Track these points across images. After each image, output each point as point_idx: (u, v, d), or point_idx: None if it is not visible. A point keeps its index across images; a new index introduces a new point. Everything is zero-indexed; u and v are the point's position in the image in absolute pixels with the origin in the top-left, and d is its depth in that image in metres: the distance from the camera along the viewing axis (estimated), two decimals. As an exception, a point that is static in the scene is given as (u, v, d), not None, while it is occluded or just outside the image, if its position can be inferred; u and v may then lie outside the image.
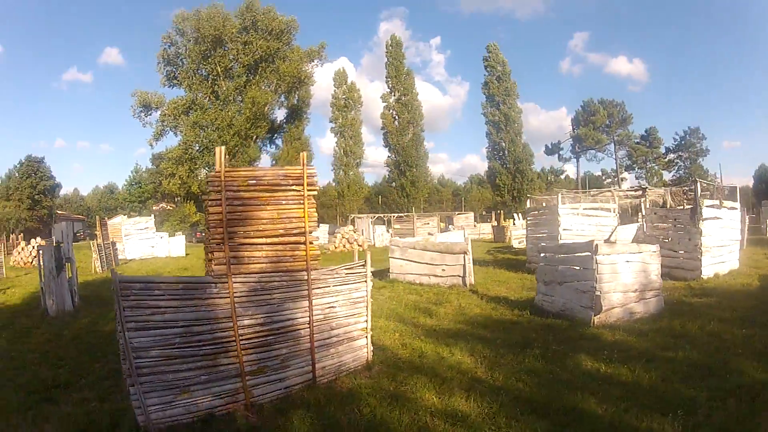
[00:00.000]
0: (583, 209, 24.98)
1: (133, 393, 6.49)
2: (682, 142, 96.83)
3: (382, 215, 59.21)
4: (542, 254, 14.51)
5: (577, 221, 23.64)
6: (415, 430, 6.46)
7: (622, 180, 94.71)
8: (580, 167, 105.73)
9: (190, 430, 6.58)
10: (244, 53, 60.56)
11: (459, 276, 18.51)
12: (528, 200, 33.71)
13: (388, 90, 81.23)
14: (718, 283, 17.91)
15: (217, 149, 7.50)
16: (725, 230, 20.19)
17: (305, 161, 7.66)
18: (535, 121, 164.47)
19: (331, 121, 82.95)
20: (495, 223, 58.64)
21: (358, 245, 39.11)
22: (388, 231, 50.56)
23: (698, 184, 20.67)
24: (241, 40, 60.55)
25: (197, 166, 60.26)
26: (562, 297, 13.05)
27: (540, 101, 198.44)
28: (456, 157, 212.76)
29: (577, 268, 12.68)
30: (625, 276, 12.50)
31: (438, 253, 19.18)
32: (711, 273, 18.99)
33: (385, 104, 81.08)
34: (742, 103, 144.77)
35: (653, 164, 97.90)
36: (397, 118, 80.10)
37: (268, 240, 7.41)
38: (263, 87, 62.90)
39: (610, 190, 30.72)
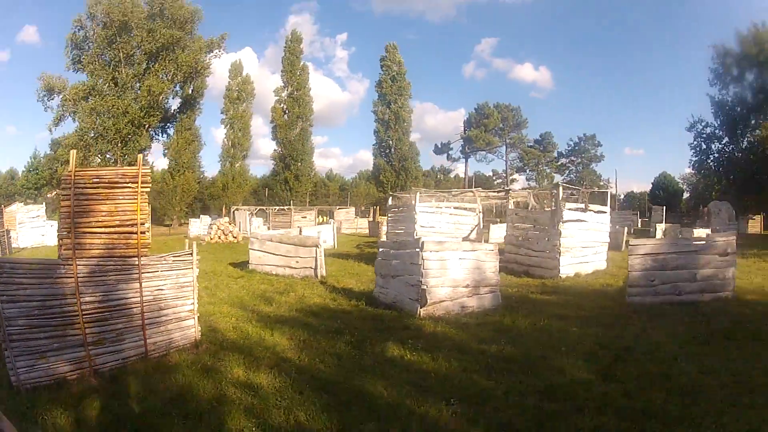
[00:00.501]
0: (444, 208, 26.20)
1: (7, 357, 7.66)
2: (576, 148, 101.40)
3: (264, 208, 59.55)
4: (380, 249, 15.34)
5: (436, 219, 24.77)
6: (215, 395, 7.55)
7: (512, 181, 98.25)
8: (472, 168, 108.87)
9: (48, 391, 7.60)
10: (147, 41, 59.96)
11: (311, 268, 19.48)
12: (390, 198, 34.98)
13: (282, 84, 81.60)
14: (575, 282, 18.91)
15: (72, 152, 8.93)
16: (590, 232, 21.17)
17: (141, 162, 8.84)
18: (432, 120, 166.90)
19: (222, 113, 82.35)
20: (371, 219, 60.28)
21: (233, 237, 39.93)
22: (264, 224, 51.24)
23: (560, 188, 21.46)
24: (147, 26, 59.94)
25: (91, 153, 59.37)
26: (395, 290, 13.91)
27: (440, 102, 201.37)
28: (349, 152, 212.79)
29: (408, 263, 13.42)
30: (456, 272, 13.29)
31: (293, 246, 20.13)
32: (571, 272, 19.98)
33: (277, 98, 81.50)
34: (646, 113, 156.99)
35: (545, 167, 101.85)
36: (287, 112, 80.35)
37: (106, 230, 8.53)
38: (161, 76, 62.62)
39: (472, 191, 31.97)
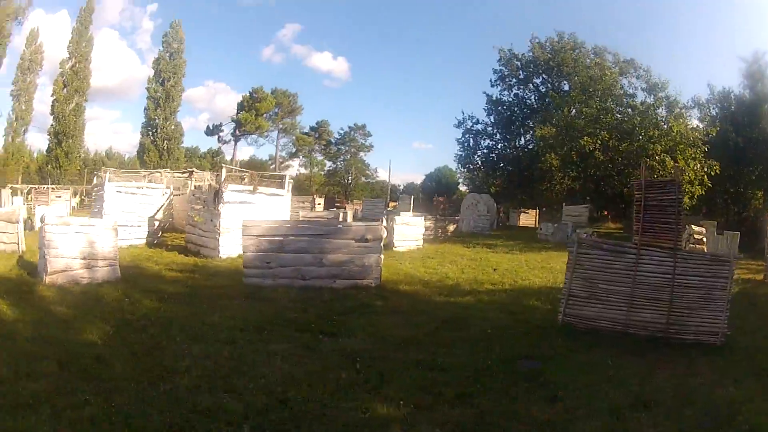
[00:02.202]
0: (134, 189, 26.34)
1: None
2: (346, 137, 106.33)
3: (37, 186, 56.73)
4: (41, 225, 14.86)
5: (126, 199, 24.86)
6: None
7: (286, 167, 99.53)
8: (244, 151, 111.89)
9: None
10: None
11: (16, 243, 19.78)
12: (95, 177, 35.48)
13: (68, 56, 75.32)
14: (230, 263, 19.01)
15: None
16: (260, 214, 20.30)
17: None
18: (224, 101, 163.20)
19: (13, 84, 73.20)
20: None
21: (-9, 217, 39.41)
22: (25, 203, 47.93)
23: (224, 169, 22.63)
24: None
25: None
26: (41, 261, 14.20)
27: (233, 83, 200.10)
28: (139, 129, 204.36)
29: (42, 237, 13.99)
30: (73, 245, 14.11)
31: (4, 222, 19.99)
32: (234, 253, 19.87)
33: (61, 70, 75.30)
34: (433, 111, 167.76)
35: (317, 154, 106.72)
36: (67, 86, 74.61)
37: None
38: (-31, 45, 55.92)
39: (159, 172, 33.01)
